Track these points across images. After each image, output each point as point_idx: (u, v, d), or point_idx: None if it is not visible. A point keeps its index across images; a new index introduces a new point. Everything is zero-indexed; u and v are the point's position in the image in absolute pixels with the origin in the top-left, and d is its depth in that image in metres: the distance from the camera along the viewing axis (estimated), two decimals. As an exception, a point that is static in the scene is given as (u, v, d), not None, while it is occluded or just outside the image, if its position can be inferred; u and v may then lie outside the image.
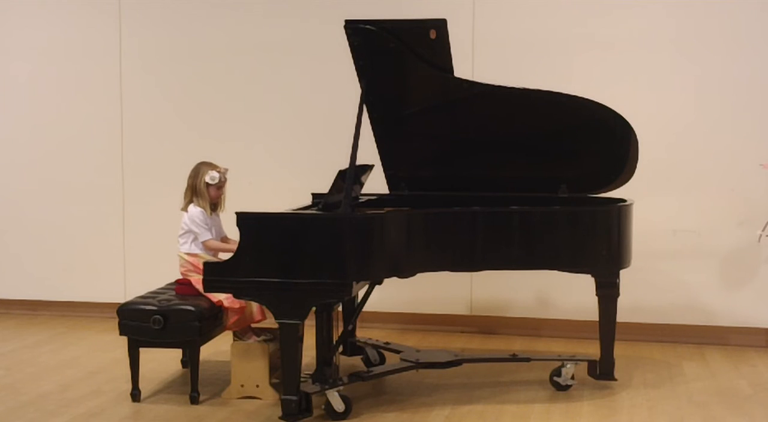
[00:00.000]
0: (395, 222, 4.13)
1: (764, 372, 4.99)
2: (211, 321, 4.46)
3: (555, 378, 4.61)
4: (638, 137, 4.53)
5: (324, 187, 4.39)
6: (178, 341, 4.38)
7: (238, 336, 4.65)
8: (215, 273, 4.03)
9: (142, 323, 4.33)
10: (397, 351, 4.85)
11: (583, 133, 4.64)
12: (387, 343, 5.04)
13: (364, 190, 4.91)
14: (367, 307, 4.64)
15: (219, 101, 6.13)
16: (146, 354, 4.50)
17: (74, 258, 6.39)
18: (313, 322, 4.28)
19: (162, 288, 4.76)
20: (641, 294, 5.52)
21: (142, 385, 4.49)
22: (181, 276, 4.67)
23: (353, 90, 4.53)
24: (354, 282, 4.01)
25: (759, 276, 5.49)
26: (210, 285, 4.06)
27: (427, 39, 4.34)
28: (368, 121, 4.67)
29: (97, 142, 6.31)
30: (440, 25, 4.32)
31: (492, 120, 4.68)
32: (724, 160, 5.48)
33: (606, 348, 4.55)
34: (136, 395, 4.44)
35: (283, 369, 4.03)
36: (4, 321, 6.33)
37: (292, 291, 3.94)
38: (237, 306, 4.51)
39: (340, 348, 4.61)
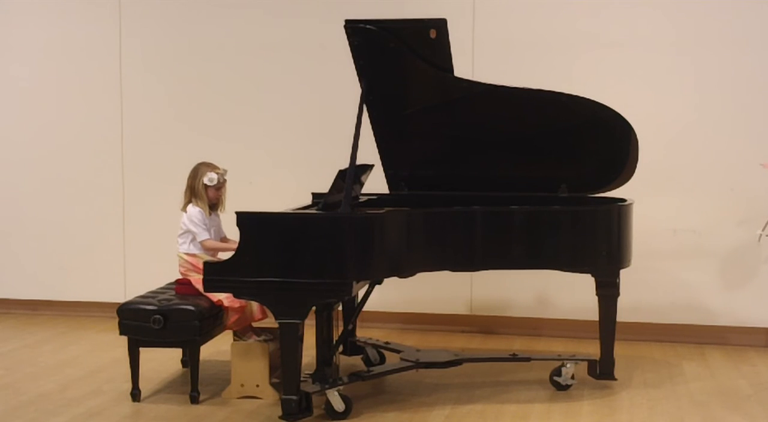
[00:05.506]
0: (395, 221, 4.13)
1: (764, 371, 4.99)
2: (211, 321, 4.46)
3: (555, 378, 4.61)
4: (638, 137, 4.54)
5: (324, 187, 4.39)
6: (178, 341, 4.38)
7: (238, 335, 4.65)
8: (215, 273, 4.03)
9: (142, 323, 4.33)
10: (397, 351, 4.85)
11: (583, 133, 4.64)
12: (387, 343, 5.04)
13: (364, 190, 4.91)
14: (367, 307, 4.64)
15: (219, 101, 6.13)
16: (146, 354, 4.50)
17: (74, 258, 6.39)
18: (313, 322, 4.28)
19: (162, 288, 4.76)
20: (641, 294, 5.52)
21: (142, 385, 4.49)
22: (180, 276, 4.67)
23: (353, 90, 4.53)
24: (354, 282, 4.01)
25: (759, 276, 5.49)
26: (210, 284, 4.06)
27: (427, 39, 4.34)
28: (368, 120, 4.67)
29: (97, 141, 6.31)
30: (440, 24, 4.32)
31: (492, 120, 4.68)
32: (724, 160, 5.48)
33: (606, 348, 4.55)
34: (136, 395, 4.44)
35: (283, 369, 4.03)
36: (4, 321, 6.33)
37: (292, 291, 3.94)
38: (237, 305, 4.52)
39: (340, 348, 4.61)
